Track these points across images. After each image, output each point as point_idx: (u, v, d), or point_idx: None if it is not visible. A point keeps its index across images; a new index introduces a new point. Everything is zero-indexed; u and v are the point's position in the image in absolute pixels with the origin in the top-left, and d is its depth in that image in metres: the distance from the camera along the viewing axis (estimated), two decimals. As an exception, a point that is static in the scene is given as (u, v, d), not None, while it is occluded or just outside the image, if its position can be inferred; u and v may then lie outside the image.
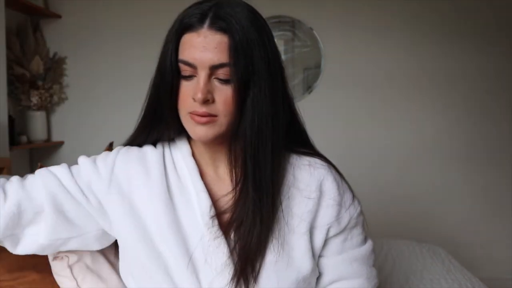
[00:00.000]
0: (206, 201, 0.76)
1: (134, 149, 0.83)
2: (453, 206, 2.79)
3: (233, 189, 0.76)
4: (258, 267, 0.73)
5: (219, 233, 0.74)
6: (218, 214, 0.76)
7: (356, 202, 0.82)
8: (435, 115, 2.76)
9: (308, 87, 2.75)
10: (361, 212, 0.83)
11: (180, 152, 0.81)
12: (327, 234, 0.78)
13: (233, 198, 0.75)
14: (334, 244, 0.80)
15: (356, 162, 2.62)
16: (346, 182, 0.83)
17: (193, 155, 0.81)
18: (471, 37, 2.71)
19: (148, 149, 0.82)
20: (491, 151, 2.76)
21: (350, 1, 2.72)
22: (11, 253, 1.02)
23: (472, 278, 1.52)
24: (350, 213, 0.80)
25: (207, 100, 0.69)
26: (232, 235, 0.75)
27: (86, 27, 2.78)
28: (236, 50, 0.68)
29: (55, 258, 1.02)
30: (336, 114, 2.75)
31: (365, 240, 0.84)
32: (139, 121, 0.82)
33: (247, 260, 0.72)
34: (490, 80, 2.73)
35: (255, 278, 0.73)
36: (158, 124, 0.79)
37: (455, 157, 2.77)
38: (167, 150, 0.83)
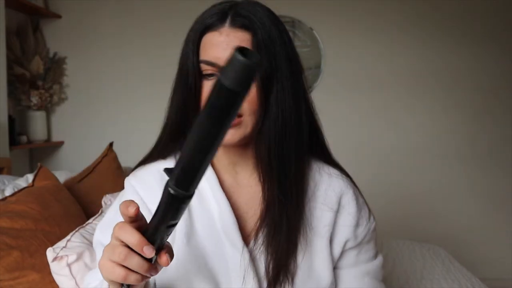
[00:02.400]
0: (228, 213, 0.74)
1: (147, 171, 0.78)
2: (453, 206, 2.79)
3: (262, 194, 0.74)
4: (292, 271, 0.73)
5: (239, 242, 0.73)
6: (239, 222, 0.75)
7: (372, 217, 0.82)
8: (435, 115, 2.76)
9: (308, 87, 2.74)
10: (375, 228, 0.83)
11: None
12: (344, 246, 0.79)
13: (262, 204, 0.74)
14: (349, 256, 0.80)
15: (356, 162, 2.61)
16: (362, 197, 0.83)
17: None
18: (472, 37, 2.70)
19: (161, 166, 0.77)
20: (492, 151, 2.76)
21: (350, 1, 2.72)
22: (11, 253, 1.03)
23: (472, 278, 1.52)
24: (366, 228, 0.80)
25: None
26: (256, 243, 0.74)
27: (86, 27, 2.78)
28: (259, 47, 0.66)
29: (54, 258, 1.02)
30: (336, 114, 2.75)
31: (376, 255, 0.84)
32: (163, 129, 0.77)
33: (280, 266, 0.72)
34: (492, 80, 2.73)
35: (291, 283, 0.73)
36: (180, 131, 0.74)
37: (455, 157, 2.77)
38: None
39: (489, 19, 2.70)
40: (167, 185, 0.47)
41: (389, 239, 1.97)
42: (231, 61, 0.38)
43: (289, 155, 0.70)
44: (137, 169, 0.80)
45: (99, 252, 0.78)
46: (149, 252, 0.50)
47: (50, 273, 1.04)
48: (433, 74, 2.74)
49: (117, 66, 2.78)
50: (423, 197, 2.78)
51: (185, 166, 0.45)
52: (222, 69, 0.39)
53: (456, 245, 2.61)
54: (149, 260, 0.52)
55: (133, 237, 0.50)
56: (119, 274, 0.51)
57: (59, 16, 2.76)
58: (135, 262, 0.51)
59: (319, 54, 2.74)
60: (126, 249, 0.51)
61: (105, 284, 0.64)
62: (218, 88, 0.39)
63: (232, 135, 0.70)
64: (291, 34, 2.86)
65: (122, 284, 0.54)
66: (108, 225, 0.78)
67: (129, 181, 0.79)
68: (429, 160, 2.78)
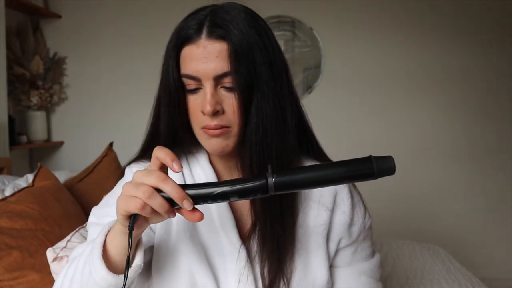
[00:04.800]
0: (225, 210, 0.75)
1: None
2: (453, 206, 2.79)
3: (250, 204, 0.75)
4: (288, 273, 0.73)
5: (237, 239, 0.74)
6: (237, 221, 0.76)
7: (367, 215, 0.82)
8: (435, 114, 2.76)
9: (308, 87, 2.75)
10: (371, 226, 0.83)
11: (197, 161, 0.79)
12: (338, 245, 0.79)
13: (251, 212, 0.74)
14: (344, 255, 0.80)
15: (356, 162, 2.61)
16: (359, 194, 0.83)
17: (211, 162, 0.79)
18: (472, 36, 2.70)
19: None
20: (491, 151, 2.76)
21: (350, 1, 2.72)
22: (11, 253, 1.03)
23: (472, 278, 1.52)
24: (361, 226, 0.80)
25: (217, 112, 0.67)
26: (251, 244, 0.74)
27: (86, 27, 2.78)
28: (237, 56, 0.65)
29: (54, 259, 1.02)
30: (336, 114, 2.75)
31: (373, 254, 0.84)
32: (151, 138, 0.77)
33: (275, 270, 0.72)
34: (491, 79, 2.73)
35: (288, 285, 0.73)
36: (173, 142, 0.75)
37: (455, 157, 2.77)
38: (183, 159, 0.80)
39: (487, 19, 2.69)
40: (264, 175, 0.55)
41: (389, 239, 1.97)
42: (388, 160, 0.57)
43: (270, 163, 0.69)
44: (139, 160, 0.80)
45: (91, 231, 0.78)
46: (188, 205, 0.55)
47: (50, 273, 1.04)
48: (434, 73, 2.74)
49: (117, 66, 2.78)
50: (423, 197, 2.78)
51: (295, 179, 0.55)
52: (379, 158, 0.56)
53: (456, 245, 2.61)
54: (170, 205, 0.56)
55: (176, 190, 0.55)
56: (137, 203, 0.54)
57: (59, 16, 2.76)
58: (158, 202, 0.55)
59: (319, 54, 2.74)
60: (151, 189, 0.55)
61: (85, 255, 0.65)
62: (367, 162, 0.55)
63: (221, 144, 0.70)
64: (290, 34, 2.88)
65: (129, 221, 0.57)
66: (103, 207, 0.79)
67: (130, 169, 0.80)
68: (428, 160, 2.78)
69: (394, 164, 0.57)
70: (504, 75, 2.72)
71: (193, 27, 0.67)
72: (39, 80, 2.63)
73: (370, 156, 0.56)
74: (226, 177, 0.79)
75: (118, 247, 0.61)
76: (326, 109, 2.70)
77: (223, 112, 0.68)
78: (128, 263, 0.57)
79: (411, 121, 2.77)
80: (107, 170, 1.63)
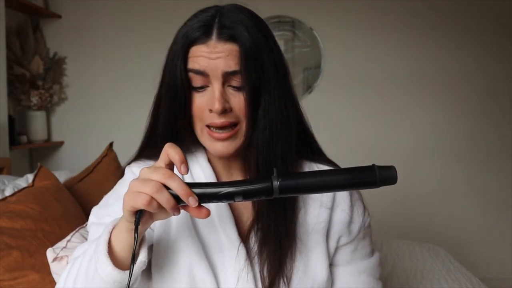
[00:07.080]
0: (224, 208, 0.76)
1: (150, 163, 0.78)
2: (453, 206, 2.79)
3: (252, 203, 0.75)
4: (288, 273, 0.74)
5: (236, 237, 0.74)
6: (236, 220, 0.76)
7: (366, 213, 0.82)
8: (435, 114, 2.76)
9: (308, 87, 2.75)
10: (370, 224, 0.83)
11: (196, 160, 0.79)
12: (338, 242, 0.79)
13: (252, 211, 0.75)
14: (344, 253, 0.80)
15: (355, 161, 2.61)
16: (358, 192, 0.83)
17: (209, 161, 0.79)
18: (472, 36, 2.70)
19: None
20: (491, 151, 2.76)
21: (350, 1, 2.72)
22: (11, 253, 1.03)
23: (472, 278, 1.52)
24: (360, 224, 0.80)
25: (225, 110, 0.67)
26: (251, 242, 0.75)
27: (86, 27, 2.78)
28: (247, 57, 0.66)
29: (54, 259, 1.02)
30: (336, 114, 2.75)
31: (372, 252, 0.84)
32: (149, 136, 0.78)
33: (275, 270, 0.73)
34: (492, 81, 2.73)
35: (288, 284, 0.73)
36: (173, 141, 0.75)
37: (455, 157, 2.77)
38: None
39: (487, 19, 2.70)
40: (270, 178, 0.57)
41: (389, 239, 1.97)
42: (391, 170, 0.58)
43: (276, 164, 0.70)
44: (138, 160, 0.80)
45: (92, 232, 0.78)
46: (193, 202, 0.56)
47: (50, 273, 1.04)
48: (434, 74, 2.74)
49: (117, 66, 2.78)
50: (423, 197, 2.78)
51: (299, 183, 0.57)
52: (382, 167, 0.58)
53: (456, 245, 2.61)
54: (176, 201, 0.57)
55: (182, 187, 0.56)
56: (143, 198, 0.55)
57: (59, 16, 2.76)
58: (165, 197, 0.56)
59: (319, 54, 2.74)
60: (159, 184, 0.56)
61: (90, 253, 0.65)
62: (370, 171, 0.57)
63: (226, 148, 0.70)
64: (290, 34, 2.88)
65: (135, 217, 0.58)
66: (104, 207, 0.79)
67: (131, 169, 0.80)
68: (428, 160, 2.78)
69: (396, 174, 0.58)
70: (504, 75, 2.72)
71: (200, 29, 0.67)
72: (39, 80, 2.63)
73: (373, 165, 0.58)
74: (224, 177, 0.80)
75: (123, 243, 0.62)
76: (326, 109, 2.70)
77: (231, 110, 0.68)
78: (134, 258, 0.58)
79: (411, 121, 2.77)
80: (107, 170, 1.63)
